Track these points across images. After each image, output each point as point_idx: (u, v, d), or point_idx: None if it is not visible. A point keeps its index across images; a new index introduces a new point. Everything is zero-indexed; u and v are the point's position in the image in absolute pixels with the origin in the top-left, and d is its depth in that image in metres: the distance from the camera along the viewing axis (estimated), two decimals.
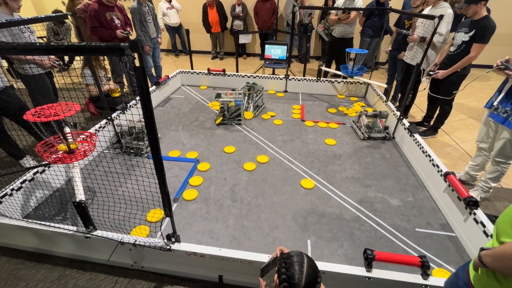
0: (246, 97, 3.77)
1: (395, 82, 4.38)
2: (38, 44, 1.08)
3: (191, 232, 2.04)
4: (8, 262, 1.92)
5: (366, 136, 3.27)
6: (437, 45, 3.24)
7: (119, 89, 3.72)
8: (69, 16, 2.54)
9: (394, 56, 4.15)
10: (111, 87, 3.58)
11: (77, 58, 4.21)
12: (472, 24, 2.79)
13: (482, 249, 0.95)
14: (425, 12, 3.35)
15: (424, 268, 1.52)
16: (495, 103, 2.20)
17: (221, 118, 3.53)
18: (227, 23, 6.76)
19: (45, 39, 5.23)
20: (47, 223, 1.83)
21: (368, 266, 1.56)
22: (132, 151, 2.91)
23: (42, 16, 2.38)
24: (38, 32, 2.90)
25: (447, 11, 3.06)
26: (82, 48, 1.07)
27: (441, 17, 2.55)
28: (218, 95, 3.51)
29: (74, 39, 5.31)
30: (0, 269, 1.87)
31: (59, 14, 2.59)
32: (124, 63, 1.06)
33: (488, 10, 2.80)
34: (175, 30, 6.81)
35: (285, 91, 4.65)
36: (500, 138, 2.20)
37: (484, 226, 1.79)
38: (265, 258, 1.62)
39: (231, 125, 3.53)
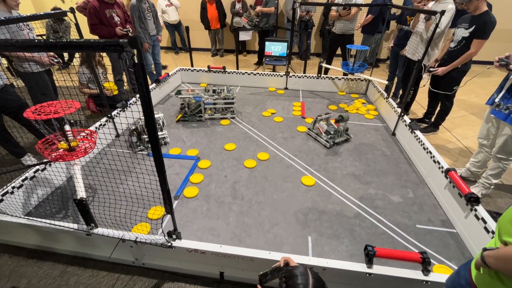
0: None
1: (396, 79, 4.36)
2: (36, 41, 1.07)
3: (192, 229, 2.05)
4: (11, 260, 1.93)
5: (332, 143, 2.98)
6: (434, 38, 3.19)
7: (115, 88, 3.71)
8: (68, 14, 2.53)
9: (396, 53, 4.12)
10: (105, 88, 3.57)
11: (77, 55, 4.19)
12: (472, 20, 2.77)
13: (484, 249, 0.94)
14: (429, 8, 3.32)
15: (425, 264, 1.53)
16: (496, 100, 2.19)
17: (181, 115, 3.54)
18: (226, 20, 6.72)
19: (44, 37, 5.22)
20: (49, 221, 1.83)
21: (369, 262, 1.56)
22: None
23: (41, 13, 2.37)
24: (37, 30, 2.89)
25: (448, 6, 3.03)
26: (81, 45, 1.06)
27: (442, 12, 2.53)
28: (178, 92, 3.49)
29: (73, 36, 5.29)
30: (2, 266, 1.88)
31: (58, 11, 2.58)
32: (123, 60, 1.05)
33: (490, 6, 2.78)
34: (175, 28, 6.79)
35: (286, 88, 4.64)
36: (502, 134, 2.19)
37: (485, 222, 1.79)
38: (266, 254, 1.62)
39: (232, 122, 3.53)
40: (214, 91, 3.67)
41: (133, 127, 2.89)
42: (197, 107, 3.52)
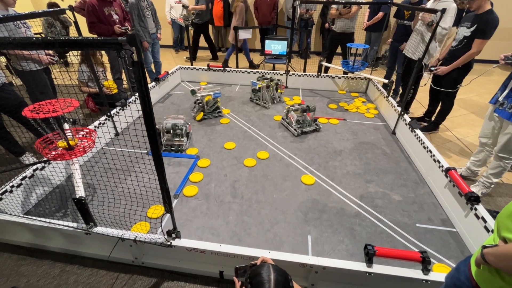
0: (265, 90, 3.86)
1: (395, 76, 4.34)
2: (34, 38, 1.06)
3: (191, 228, 2.04)
4: (10, 258, 1.92)
5: (300, 132, 3.21)
6: (438, 38, 3.18)
7: (115, 86, 3.70)
8: (66, 11, 2.51)
9: (395, 48, 4.10)
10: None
11: (76, 53, 4.17)
12: (474, 19, 2.74)
13: (484, 246, 0.94)
14: (428, 6, 3.30)
15: (425, 263, 1.52)
16: (500, 99, 2.17)
17: (202, 114, 3.51)
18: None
19: (43, 35, 5.20)
20: (48, 220, 1.83)
21: (369, 261, 1.56)
22: (172, 148, 2.90)
23: (39, 11, 2.36)
24: (36, 28, 2.86)
25: (451, 5, 3.01)
26: (79, 42, 1.05)
27: (443, 10, 2.51)
28: (193, 91, 3.49)
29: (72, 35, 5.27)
30: (1, 265, 1.87)
31: (56, 9, 2.56)
32: (122, 58, 1.04)
33: (491, 4, 2.75)
34: (179, 25, 6.76)
35: (286, 87, 4.62)
36: (505, 133, 2.17)
37: (485, 221, 1.78)
38: (265, 253, 1.62)
39: (232, 121, 3.52)
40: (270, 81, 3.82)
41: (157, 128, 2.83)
42: (214, 103, 3.52)
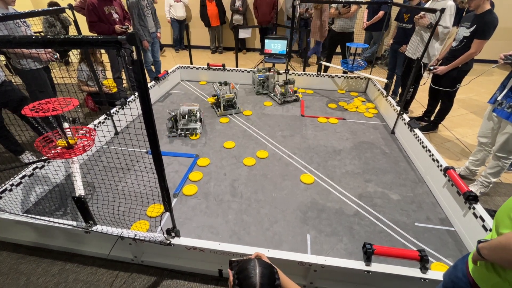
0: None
1: (395, 78, 4.35)
2: (34, 37, 1.06)
3: (191, 227, 2.05)
4: (9, 257, 1.93)
5: (282, 101, 3.95)
6: (441, 37, 3.17)
7: (114, 85, 3.70)
8: (66, 10, 2.51)
9: (395, 50, 4.11)
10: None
11: (75, 52, 4.17)
12: (474, 19, 2.74)
13: (479, 241, 0.96)
14: (426, 5, 3.30)
15: (423, 262, 1.53)
16: (499, 98, 2.18)
17: (214, 100, 3.83)
18: (226, 17, 6.71)
19: (42, 34, 5.19)
20: (47, 218, 1.83)
21: (367, 260, 1.57)
22: (188, 132, 3.18)
23: (39, 10, 2.36)
24: (35, 27, 2.86)
25: (447, 3, 3.01)
26: (79, 41, 1.05)
27: (442, 10, 2.51)
28: (226, 83, 3.77)
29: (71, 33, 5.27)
30: (1, 264, 1.88)
31: (56, 8, 2.56)
32: (122, 57, 1.04)
33: (492, 4, 2.74)
34: (179, 24, 6.76)
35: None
36: (504, 133, 2.18)
37: (483, 220, 1.79)
38: (265, 252, 1.62)
39: (232, 120, 3.52)
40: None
41: (173, 114, 3.09)
42: (219, 103, 3.68)
